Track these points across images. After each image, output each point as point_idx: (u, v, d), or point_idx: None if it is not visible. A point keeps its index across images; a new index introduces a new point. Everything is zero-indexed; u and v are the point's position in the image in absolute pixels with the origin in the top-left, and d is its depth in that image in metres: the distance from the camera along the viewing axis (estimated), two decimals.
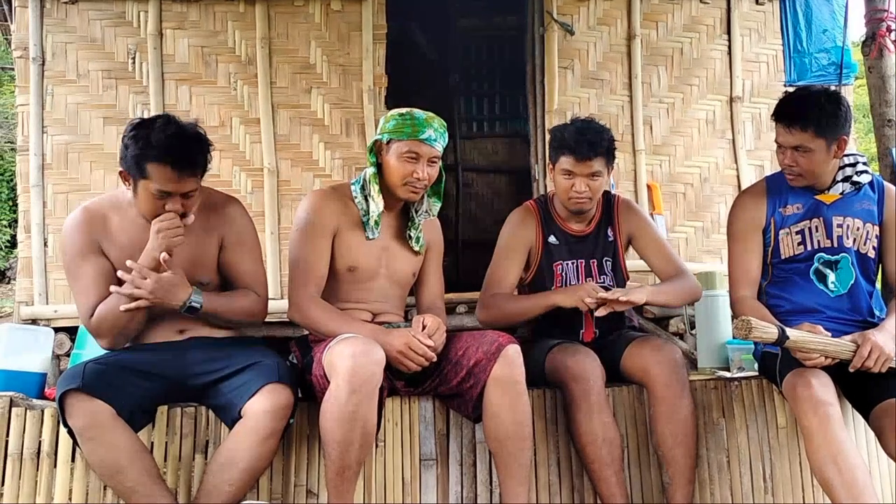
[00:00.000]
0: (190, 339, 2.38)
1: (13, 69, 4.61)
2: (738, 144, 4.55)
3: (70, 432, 2.14)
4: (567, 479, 2.58)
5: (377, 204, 2.49)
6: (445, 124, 2.54)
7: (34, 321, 3.88)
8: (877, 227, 2.57)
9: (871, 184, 2.60)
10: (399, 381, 2.43)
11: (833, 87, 3.25)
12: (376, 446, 2.43)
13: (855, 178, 2.55)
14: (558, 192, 2.74)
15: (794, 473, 2.67)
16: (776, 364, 2.48)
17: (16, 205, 5.85)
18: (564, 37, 4.37)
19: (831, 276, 2.55)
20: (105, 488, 2.27)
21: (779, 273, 2.62)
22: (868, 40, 3.50)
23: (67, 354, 3.77)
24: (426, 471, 2.49)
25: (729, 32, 4.61)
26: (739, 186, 4.39)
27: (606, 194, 2.85)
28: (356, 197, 2.54)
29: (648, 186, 4.39)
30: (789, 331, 2.24)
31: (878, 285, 2.64)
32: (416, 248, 2.61)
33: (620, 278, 2.82)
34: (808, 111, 2.42)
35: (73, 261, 2.34)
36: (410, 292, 2.72)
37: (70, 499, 2.28)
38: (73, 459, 2.28)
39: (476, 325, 3.12)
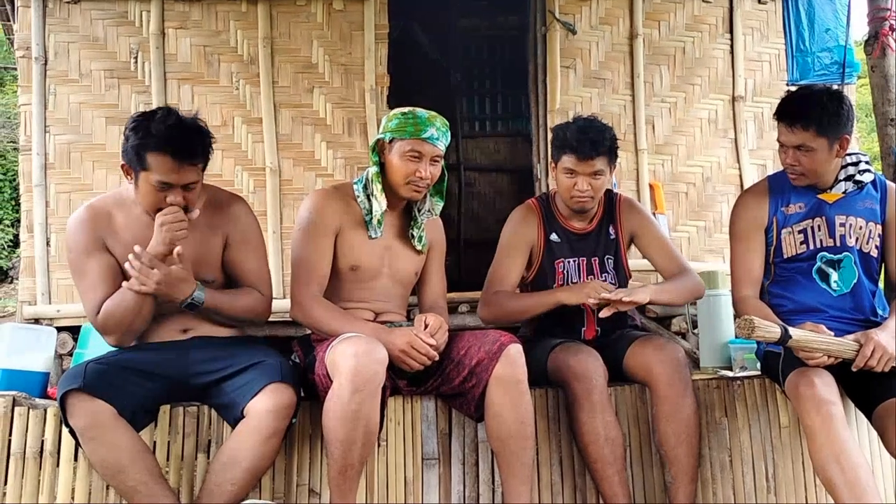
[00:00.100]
0: (193, 339, 2.38)
1: (16, 69, 4.63)
2: (740, 144, 4.55)
3: (72, 432, 2.14)
4: (569, 478, 2.58)
5: (380, 203, 2.49)
6: (448, 123, 2.54)
7: (37, 320, 3.88)
8: (879, 226, 2.56)
9: (873, 183, 2.60)
10: (401, 380, 2.43)
11: (835, 87, 3.26)
12: (378, 445, 2.43)
13: (857, 177, 2.55)
14: (560, 190, 2.74)
15: (797, 473, 2.67)
16: (779, 363, 2.48)
17: (18, 204, 5.84)
18: (566, 36, 4.37)
19: (834, 276, 2.55)
20: (108, 488, 2.27)
21: (781, 272, 2.62)
22: (871, 39, 3.49)
23: (70, 354, 3.77)
24: (428, 470, 2.49)
25: (731, 31, 4.60)
26: (742, 186, 4.38)
27: (609, 192, 2.85)
28: (359, 196, 2.54)
29: (651, 186, 4.39)
30: (792, 330, 2.24)
31: (881, 284, 2.64)
32: (419, 248, 2.61)
33: (622, 277, 2.82)
34: (811, 110, 2.42)
35: (79, 258, 2.34)
36: (413, 291, 2.73)
37: (73, 498, 2.28)
38: (75, 459, 2.28)
39: (478, 324, 3.12)
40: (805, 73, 4.61)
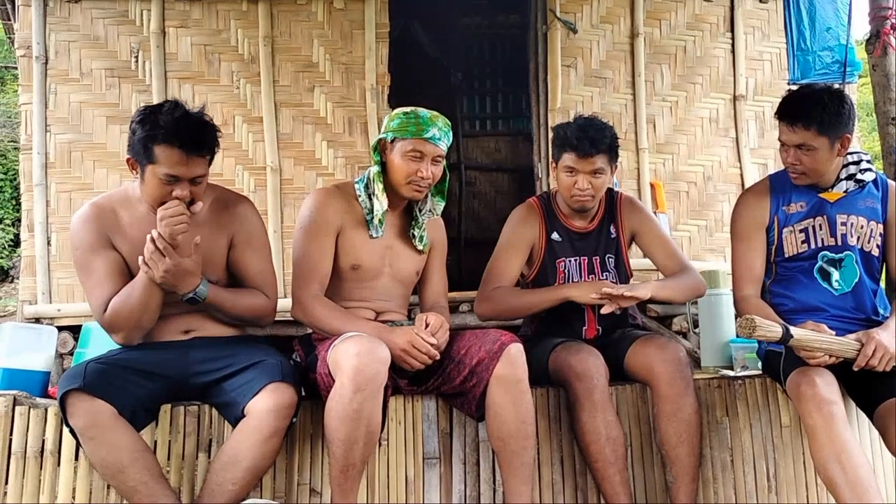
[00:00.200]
0: (193, 339, 2.38)
1: (16, 68, 4.63)
2: (741, 143, 4.55)
3: (72, 432, 2.14)
4: (570, 477, 2.58)
5: (381, 202, 2.49)
6: (450, 123, 2.54)
7: (37, 320, 3.89)
8: (881, 225, 2.56)
9: (874, 182, 2.59)
10: (402, 379, 2.43)
11: (836, 85, 3.24)
12: (379, 445, 2.43)
13: (859, 176, 2.55)
14: (561, 189, 2.74)
15: (798, 472, 2.66)
16: (780, 363, 2.48)
17: (19, 203, 5.85)
18: (567, 35, 4.37)
19: (835, 275, 2.55)
20: (108, 487, 2.26)
21: (782, 271, 2.62)
22: (872, 38, 3.49)
23: (71, 353, 3.77)
24: (429, 469, 2.49)
25: (732, 30, 4.61)
26: (743, 185, 4.39)
27: (609, 191, 2.84)
28: (360, 195, 2.54)
29: (652, 185, 4.39)
30: (793, 329, 2.24)
31: (882, 283, 2.63)
32: (420, 247, 2.61)
33: (623, 276, 2.81)
34: (812, 109, 2.42)
35: (85, 255, 2.32)
36: (414, 291, 2.72)
37: (73, 498, 2.27)
38: (76, 458, 2.28)
39: (479, 323, 3.12)
40: (806, 72, 4.61)
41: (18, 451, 2.28)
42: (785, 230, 2.58)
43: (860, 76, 4.83)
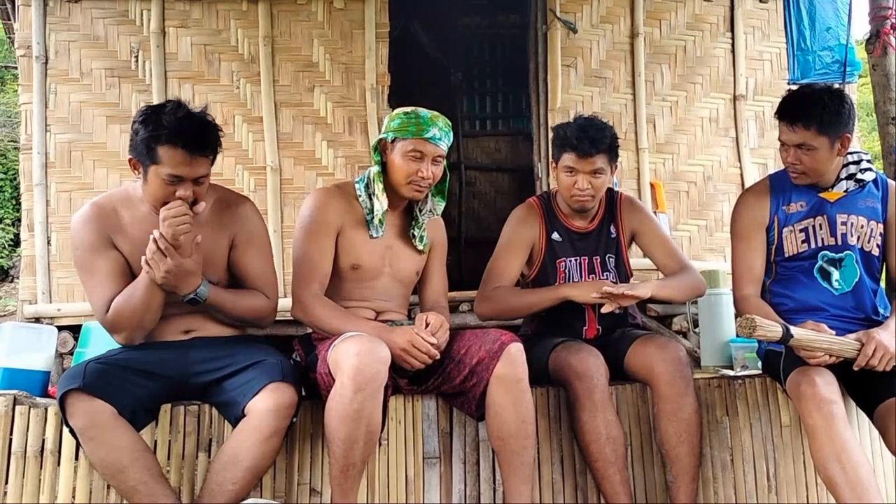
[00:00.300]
0: (193, 339, 2.37)
1: (16, 68, 4.63)
2: (741, 142, 4.56)
3: (72, 432, 2.14)
4: (570, 477, 2.58)
5: (381, 202, 2.49)
6: (450, 123, 2.53)
7: (37, 319, 3.89)
8: (881, 225, 2.56)
9: (874, 181, 2.59)
10: (402, 379, 2.43)
11: (836, 85, 3.25)
12: (380, 444, 2.43)
13: (859, 176, 2.55)
14: (561, 189, 2.74)
15: (798, 472, 2.66)
16: (780, 362, 2.48)
17: (19, 203, 5.85)
18: (567, 35, 4.37)
19: (835, 274, 2.55)
20: (108, 487, 2.26)
21: (782, 271, 2.62)
22: (872, 38, 3.49)
23: (71, 353, 3.77)
24: (429, 469, 2.49)
25: (732, 30, 4.61)
26: (743, 185, 4.39)
27: (610, 191, 2.84)
28: (360, 195, 2.53)
29: (652, 185, 4.39)
30: (793, 329, 2.24)
31: (882, 283, 2.63)
32: (420, 247, 2.61)
33: (624, 275, 2.81)
34: (812, 109, 2.42)
35: (86, 255, 2.31)
36: (414, 291, 2.72)
37: (73, 497, 2.27)
38: (76, 458, 2.28)
39: (479, 323, 3.12)
40: (806, 72, 4.61)
41: (18, 451, 2.28)
42: (785, 230, 2.58)
43: (860, 76, 4.83)
